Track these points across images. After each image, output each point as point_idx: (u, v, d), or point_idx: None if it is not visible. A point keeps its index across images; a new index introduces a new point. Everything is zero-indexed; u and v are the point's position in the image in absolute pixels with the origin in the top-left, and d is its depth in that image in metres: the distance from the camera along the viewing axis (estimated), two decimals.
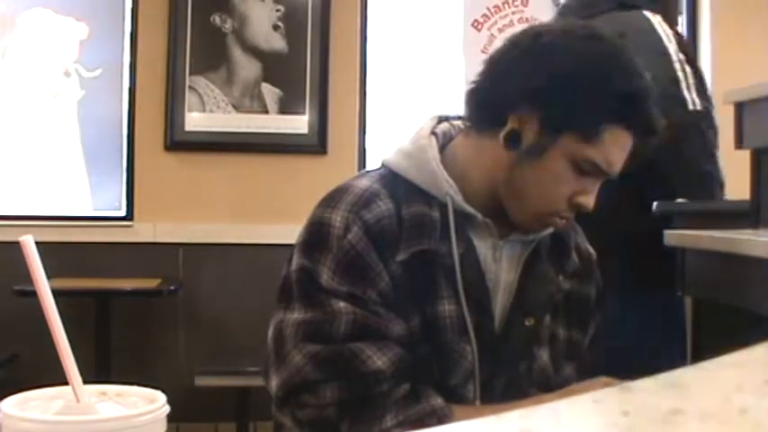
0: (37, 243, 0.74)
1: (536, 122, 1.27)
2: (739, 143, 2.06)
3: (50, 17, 3.85)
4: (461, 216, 1.31)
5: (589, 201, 1.29)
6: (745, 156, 2.12)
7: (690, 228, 1.97)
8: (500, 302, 1.34)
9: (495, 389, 1.31)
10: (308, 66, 3.88)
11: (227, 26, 3.84)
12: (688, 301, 2.03)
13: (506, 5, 4.05)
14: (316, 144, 3.88)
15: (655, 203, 2.01)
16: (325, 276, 1.26)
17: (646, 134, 1.29)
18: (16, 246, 0.73)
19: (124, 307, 3.64)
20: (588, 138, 1.25)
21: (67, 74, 3.85)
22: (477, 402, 1.30)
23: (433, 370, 1.29)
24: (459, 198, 1.31)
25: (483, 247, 1.33)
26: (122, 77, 3.88)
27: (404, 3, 4.22)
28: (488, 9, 3.99)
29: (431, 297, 1.29)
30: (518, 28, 4.09)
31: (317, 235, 1.29)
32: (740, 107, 2.03)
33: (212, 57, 3.84)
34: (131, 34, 3.87)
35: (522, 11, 4.06)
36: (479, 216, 1.31)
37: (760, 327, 1.62)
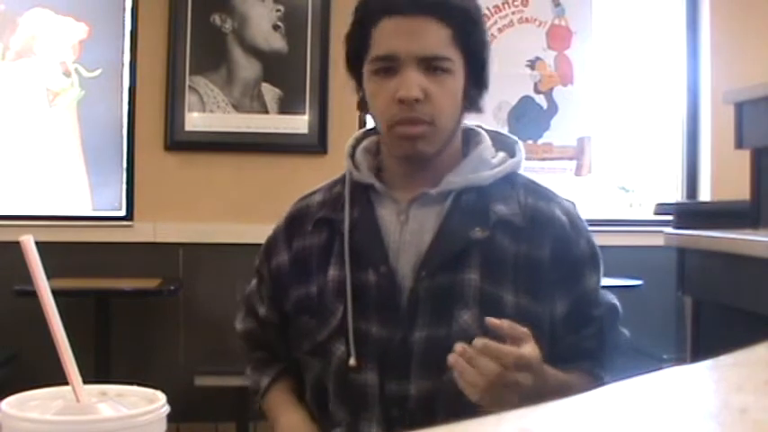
0: (37, 243, 0.74)
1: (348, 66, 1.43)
2: (739, 143, 2.06)
3: (50, 17, 3.85)
4: (362, 188, 1.42)
5: (406, 91, 1.32)
6: (745, 156, 2.12)
7: (690, 228, 1.96)
8: (410, 264, 1.36)
9: (413, 350, 1.32)
10: (308, 66, 3.88)
11: (227, 26, 3.83)
12: (688, 301, 2.03)
13: (506, 5, 4.05)
14: (316, 144, 3.88)
15: (655, 203, 2.00)
16: (257, 262, 1.56)
17: (408, 8, 1.32)
18: (16, 246, 0.74)
19: (124, 307, 3.64)
20: (368, 48, 1.36)
21: (67, 74, 3.85)
22: (352, 360, 1.34)
23: (314, 332, 1.40)
24: (362, 173, 1.42)
25: (388, 213, 1.40)
26: (122, 77, 3.88)
27: None
28: (488, 9, 3.98)
29: (325, 264, 1.41)
30: (518, 28, 4.13)
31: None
32: (740, 107, 2.04)
33: (212, 57, 3.83)
34: (131, 34, 3.86)
35: (522, 11, 4.06)
36: (376, 183, 1.41)
37: (760, 327, 1.62)
